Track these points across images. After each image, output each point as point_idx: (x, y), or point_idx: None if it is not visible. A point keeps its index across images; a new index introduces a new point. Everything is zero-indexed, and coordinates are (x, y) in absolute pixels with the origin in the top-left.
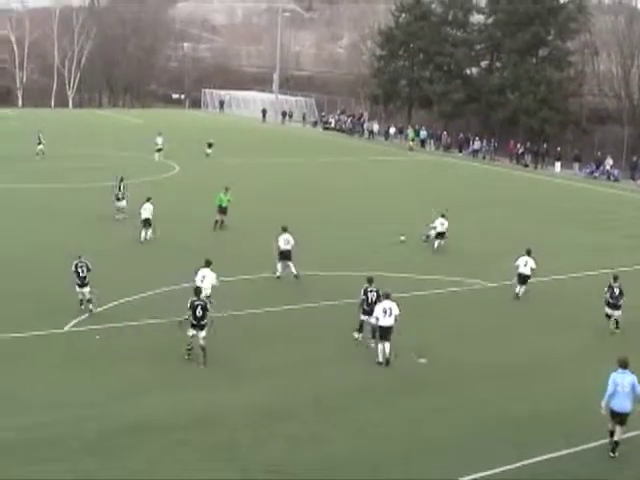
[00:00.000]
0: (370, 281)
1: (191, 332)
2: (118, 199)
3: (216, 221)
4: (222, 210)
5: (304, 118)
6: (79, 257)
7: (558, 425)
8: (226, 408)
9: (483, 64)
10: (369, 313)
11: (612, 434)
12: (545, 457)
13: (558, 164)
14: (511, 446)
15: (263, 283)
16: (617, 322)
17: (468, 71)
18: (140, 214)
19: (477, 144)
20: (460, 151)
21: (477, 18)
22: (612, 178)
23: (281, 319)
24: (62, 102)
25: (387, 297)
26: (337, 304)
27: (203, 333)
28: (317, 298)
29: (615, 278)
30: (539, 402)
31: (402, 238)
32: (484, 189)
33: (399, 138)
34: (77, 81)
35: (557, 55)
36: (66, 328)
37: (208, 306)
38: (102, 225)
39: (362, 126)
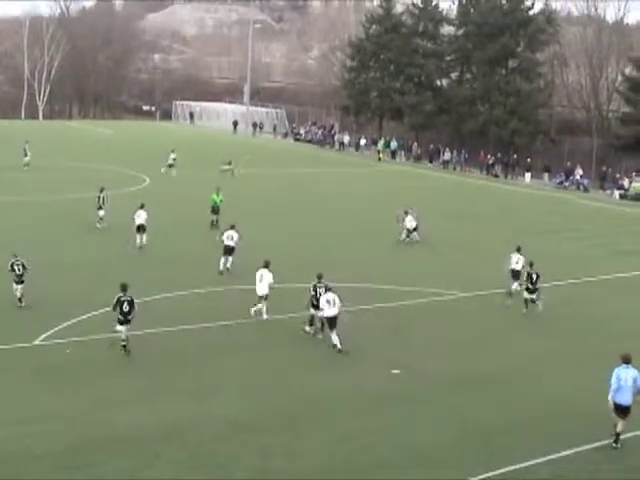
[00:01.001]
0: (319, 277)
1: (119, 327)
2: (99, 208)
3: (212, 221)
4: (215, 210)
5: (275, 129)
6: (15, 256)
7: (532, 432)
8: (195, 421)
9: (453, 75)
10: (318, 307)
11: (619, 436)
12: (519, 466)
13: (528, 174)
14: (485, 454)
15: (230, 294)
16: (534, 301)
17: (438, 82)
18: (134, 220)
19: (448, 155)
20: (431, 162)
21: (447, 30)
22: (582, 188)
23: (245, 329)
24: (32, 113)
25: (329, 290)
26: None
27: (127, 326)
28: (283, 309)
29: (531, 265)
30: (513, 410)
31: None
32: (455, 199)
33: (371, 149)
34: (47, 92)
35: (527, 66)
36: (36, 342)
37: (134, 301)
38: (81, 236)
39: (333, 137)
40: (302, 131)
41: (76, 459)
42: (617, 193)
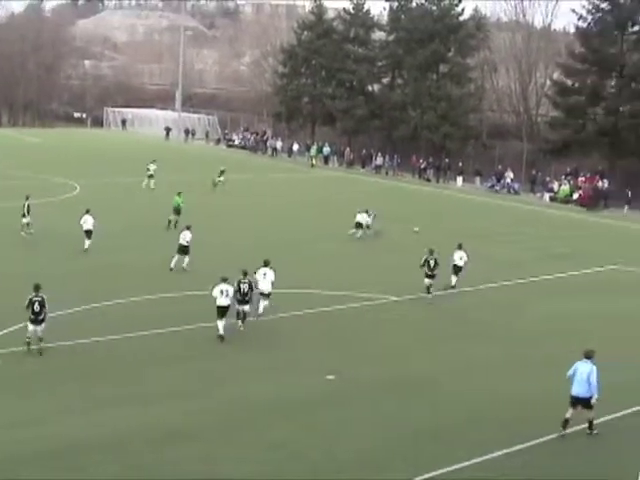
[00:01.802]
0: (245, 274)
1: (31, 327)
2: (23, 215)
3: (169, 221)
4: (176, 211)
5: (207, 136)
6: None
7: (462, 436)
8: (133, 430)
9: (385, 81)
10: (242, 302)
11: (567, 422)
12: (448, 469)
13: (460, 178)
14: (416, 457)
15: (182, 301)
16: (429, 289)
17: (370, 87)
18: (81, 226)
19: (380, 160)
20: (363, 167)
21: (379, 35)
22: (512, 191)
23: (177, 339)
24: None
25: (224, 281)
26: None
27: (42, 327)
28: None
29: (431, 252)
30: (445, 413)
31: (416, 229)
32: (388, 204)
33: (305, 155)
34: None
35: (457, 71)
36: None
37: (45, 302)
38: (13, 245)
39: (265, 143)
40: (235, 137)
41: (19, 470)
42: (547, 196)
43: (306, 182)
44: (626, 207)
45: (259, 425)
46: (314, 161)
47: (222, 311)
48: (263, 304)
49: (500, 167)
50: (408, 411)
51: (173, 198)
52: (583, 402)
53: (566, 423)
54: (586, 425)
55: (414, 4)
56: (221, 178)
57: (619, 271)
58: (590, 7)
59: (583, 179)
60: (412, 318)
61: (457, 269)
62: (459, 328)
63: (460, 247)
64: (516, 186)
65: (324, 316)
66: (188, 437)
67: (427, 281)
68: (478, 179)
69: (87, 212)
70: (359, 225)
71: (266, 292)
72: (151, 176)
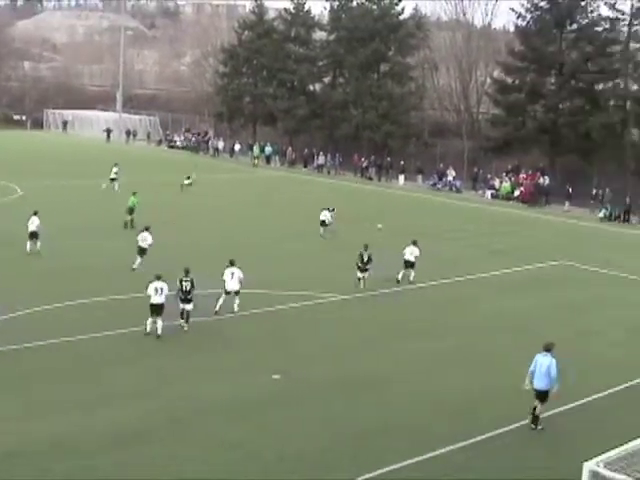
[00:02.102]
0: (187, 272)
1: None
2: None
3: (125, 222)
4: (131, 211)
5: (149, 137)
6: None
7: (409, 434)
8: (82, 433)
9: (326, 80)
10: (184, 301)
11: (535, 409)
12: (395, 467)
13: (402, 177)
14: (365, 456)
15: (131, 303)
16: (365, 281)
17: (311, 87)
18: (27, 227)
19: (322, 159)
20: (305, 166)
21: (319, 35)
22: (454, 189)
23: (127, 340)
24: None
25: (159, 278)
26: (192, 321)
27: None
28: (169, 317)
29: (366, 247)
30: (392, 412)
31: (379, 226)
32: (331, 203)
33: (248, 155)
34: None
35: (398, 70)
36: None
37: None
38: None
39: (207, 143)
40: (176, 138)
41: None
42: (489, 193)
43: (249, 182)
44: (567, 203)
45: (211, 425)
46: (257, 161)
47: (156, 309)
48: (236, 303)
49: (442, 165)
50: (356, 410)
51: (129, 199)
52: (541, 395)
53: (536, 419)
54: (529, 420)
55: (354, 3)
56: (187, 182)
57: (561, 266)
58: (529, 6)
59: (524, 176)
60: (359, 316)
61: (408, 264)
62: (405, 326)
63: (415, 243)
64: (458, 184)
65: (271, 315)
66: (139, 438)
67: (359, 274)
68: (420, 177)
69: (35, 214)
70: (323, 223)
71: (235, 290)
72: (114, 179)
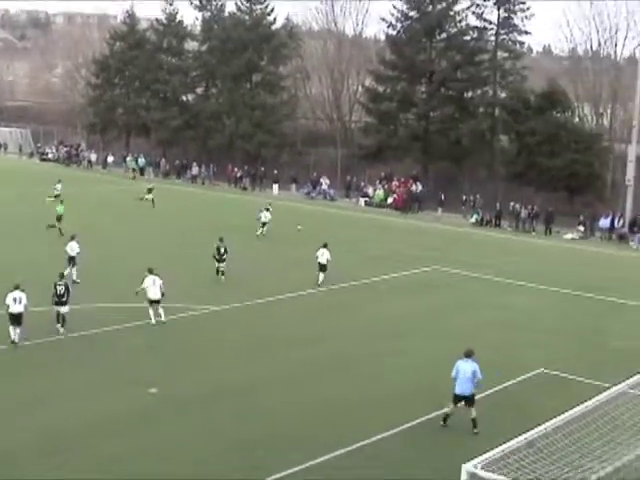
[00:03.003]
0: (61, 276)
1: None
2: None
3: (52, 225)
4: (58, 218)
5: (20, 150)
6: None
7: (292, 442)
8: None
9: (199, 90)
10: (59, 304)
11: (447, 417)
12: (279, 475)
13: (276, 186)
14: (248, 466)
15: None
16: (223, 272)
17: (184, 98)
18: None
19: (195, 170)
20: (179, 177)
21: (192, 45)
22: (329, 197)
23: (16, 352)
24: None
25: (17, 288)
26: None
27: None
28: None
29: (221, 239)
30: (273, 421)
31: (299, 227)
32: (207, 213)
33: (123, 167)
34: None
35: (270, 80)
36: None
37: None
38: None
39: (79, 156)
40: (48, 150)
41: None
42: (362, 201)
43: (127, 194)
44: (439, 209)
45: (88, 443)
46: (133, 173)
47: (15, 318)
48: (161, 311)
49: (315, 174)
50: (236, 420)
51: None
52: (467, 400)
53: (447, 417)
54: (442, 423)
55: (226, 14)
56: (147, 196)
57: (435, 271)
58: (399, 15)
59: (397, 183)
60: (235, 327)
61: (321, 267)
62: (283, 334)
63: (325, 246)
64: (332, 192)
65: (147, 329)
66: (6, 459)
67: (218, 265)
68: (294, 186)
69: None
70: (264, 225)
71: (158, 298)
72: (57, 195)
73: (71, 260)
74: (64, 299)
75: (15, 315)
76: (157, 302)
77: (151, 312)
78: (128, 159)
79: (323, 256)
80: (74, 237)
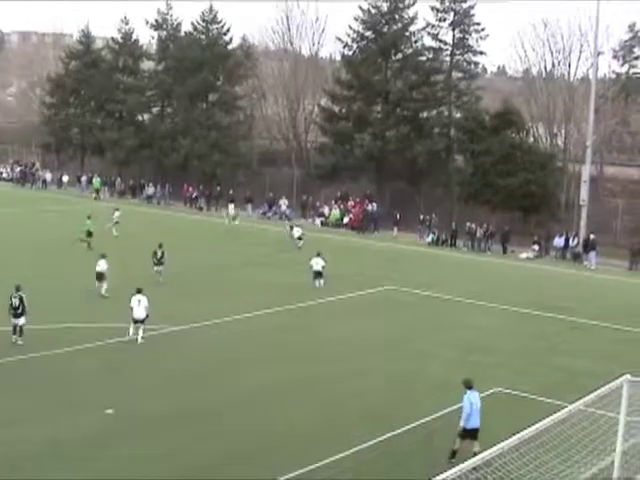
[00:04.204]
0: (17, 289)
1: None
2: None
3: (87, 242)
4: (89, 234)
5: None
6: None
7: (250, 464)
8: None
9: (155, 110)
10: (15, 316)
11: (455, 453)
12: None
13: (232, 206)
14: None
15: None
16: (160, 274)
17: (140, 117)
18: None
19: (151, 189)
20: (134, 196)
21: (148, 65)
22: (284, 217)
23: None
24: None
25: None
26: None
27: None
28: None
29: (160, 245)
30: (230, 443)
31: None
32: (159, 235)
33: (78, 187)
34: None
35: (226, 100)
36: None
37: None
38: None
39: (34, 175)
40: (2, 170)
41: None
42: (318, 221)
43: (78, 213)
44: (395, 229)
45: (42, 467)
46: (97, 194)
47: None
48: (140, 331)
49: (271, 194)
50: (193, 443)
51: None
52: (475, 433)
53: (455, 453)
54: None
55: (182, 33)
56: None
57: (391, 291)
58: (355, 35)
59: (352, 203)
60: (191, 347)
61: (317, 274)
62: (238, 357)
63: (319, 255)
64: (288, 212)
65: (103, 349)
66: None
67: (155, 268)
68: (250, 206)
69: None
70: (299, 239)
71: (142, 318)
72: (117, 223)
73: (100, 276)
74: (19, 311)
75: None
76: (141, 322)
77: (131, 329)
78: (94, 179)
79: (318, 264)
80: (104, 255)
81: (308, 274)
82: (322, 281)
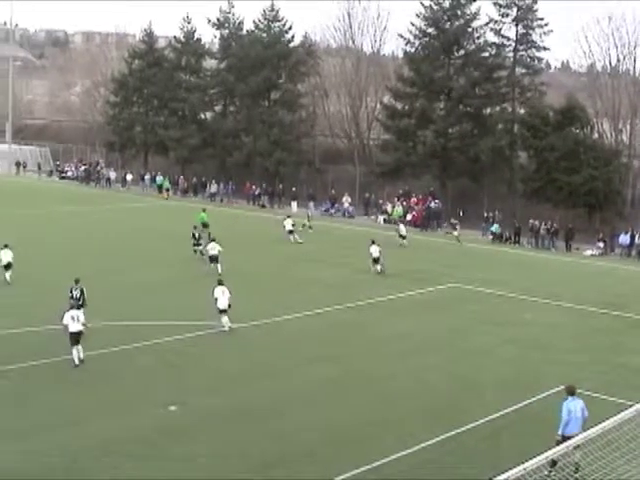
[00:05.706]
0: (77, 281)
1: None
2: None
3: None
4: (205, 225)
5: (39, 168)
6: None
7: (310, 464)
8: None
9: (217, 108)
10: (75, 307)
11: (556, 463)
12: None
13: (294, 203)
14: None
15: None
16: (201, 252)
17: (203, 116)
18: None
19: (214, 187)
20: (196, 195)
21: (210, 63)
22: (347, 215)
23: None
24: None
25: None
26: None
27: None
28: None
29: (195, 227)
30: (290, 442)
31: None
32: (225, 231)
33: (141, 185)
34: None
35: (288, 98)
36: None
37: None
38: None
39: (98, 174)
40: (67, 168)
41: None
42: (381, 218)
43: (153, 212)
44: (458, 226)
45: (107, 464)
46: (167, 193)
47: (76, 337)
48: (226, 319)
49: (333, 191)
50: (254, 440)
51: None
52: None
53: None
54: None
55: (244, 31)
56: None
57: (454, 288)
58: (417, 32)
59: (415, 200)
60: (254, 344)
61: (375, 260)
62: (299, 353)
63: (374, 242)
64: (351, 209)
65: (164, 346)
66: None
67: (194, 247)
68: (312, 204)
69: (5, 246)
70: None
71: (224, 308)
72: (308, 225)
73: (213, 259)
74: (80, 303)
75: (74, 334)
76: (224, 311)
77: (223, 319)
78: (158, 178)
79: (376, 251)
80: (214, 239)
81: (363, 272)
82: (379, 267)
